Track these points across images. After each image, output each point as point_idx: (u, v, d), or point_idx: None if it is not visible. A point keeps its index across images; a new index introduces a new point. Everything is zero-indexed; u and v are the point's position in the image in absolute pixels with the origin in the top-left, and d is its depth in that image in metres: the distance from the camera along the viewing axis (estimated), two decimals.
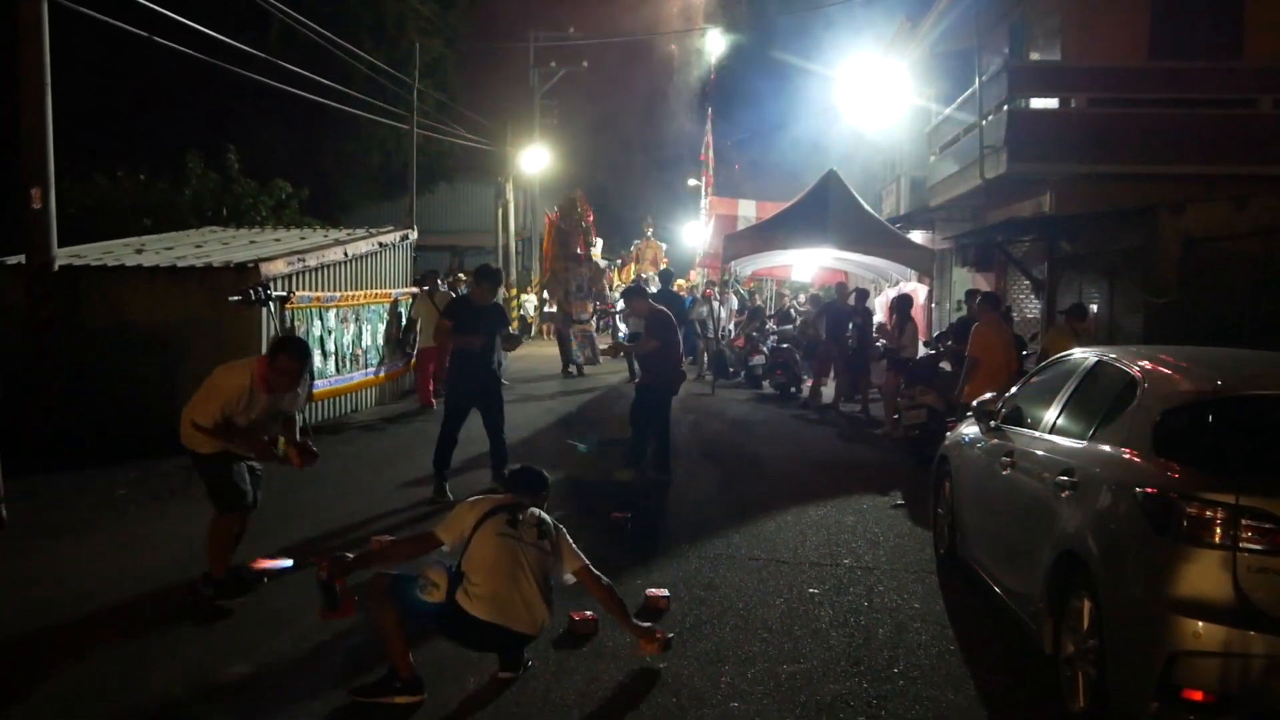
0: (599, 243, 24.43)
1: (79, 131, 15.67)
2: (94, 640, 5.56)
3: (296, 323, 12.70)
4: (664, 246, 37.35)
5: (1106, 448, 4.87)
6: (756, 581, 6.83)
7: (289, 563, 6.10)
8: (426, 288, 15.05)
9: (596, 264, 22.81)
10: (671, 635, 5.46)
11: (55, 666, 5.24)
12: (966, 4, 17.29)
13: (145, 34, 11.94)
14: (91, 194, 19.88)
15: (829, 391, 16.41)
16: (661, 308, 10.68)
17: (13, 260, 11.78)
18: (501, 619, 4.90)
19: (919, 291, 19.34)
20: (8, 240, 12.50)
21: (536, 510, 5.25)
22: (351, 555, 5.33)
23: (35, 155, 10.87)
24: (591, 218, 24.02)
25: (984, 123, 15.84)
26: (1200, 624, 3.97)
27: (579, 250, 22.36)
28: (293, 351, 6.15)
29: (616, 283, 29.25)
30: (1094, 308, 13.65)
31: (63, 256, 11.69)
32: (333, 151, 28.14)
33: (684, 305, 18.15)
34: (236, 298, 11.37)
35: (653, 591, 6.28)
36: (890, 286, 20.63)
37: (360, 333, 14.34)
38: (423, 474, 9.52)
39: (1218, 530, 4.04)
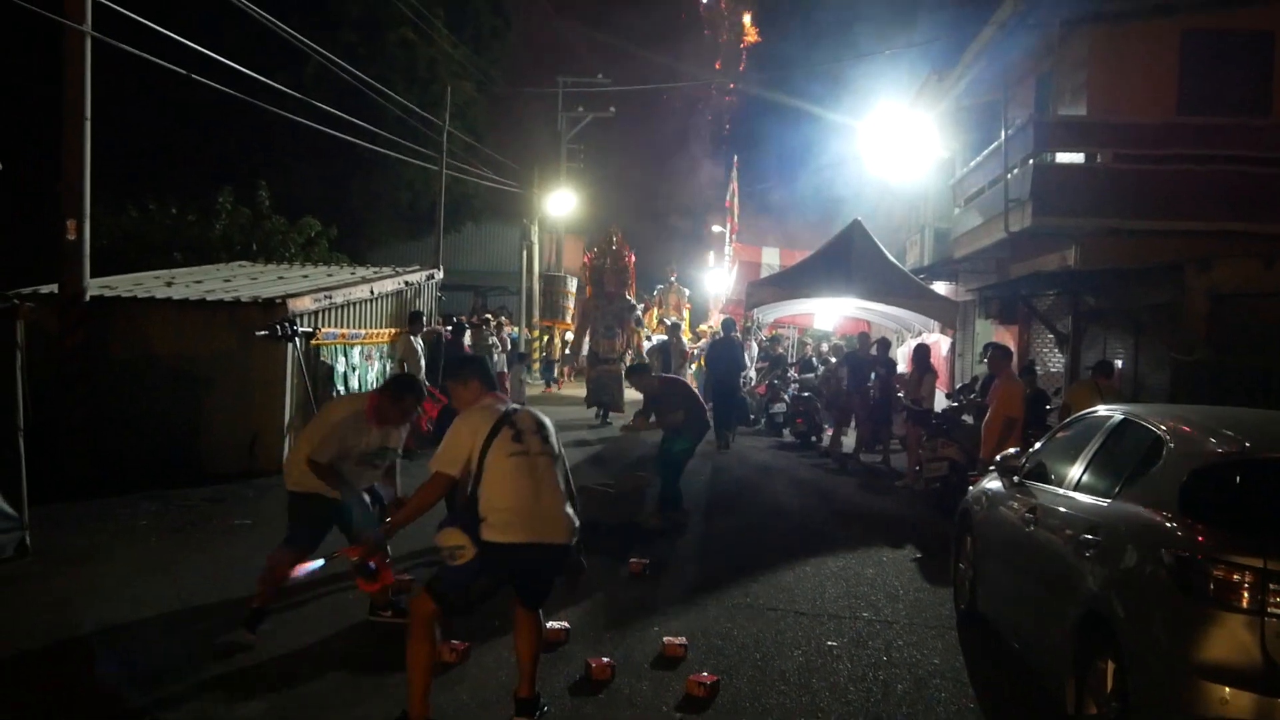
0: (630, 285, 23.85)
1: (114, 164, 15.88)
2: (108, 665, 5.57)
3: (322, 359, 12.80)
4: (687, 292, 37.52)
5: (1132, 507, 4.83)
6: (774, 632, 6.78)
7: (320, 562, 6.05)
8: (410, 330, 14.30)
9: (629, 301, 22.50)
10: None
11: (70, 689, 5.25)
12: (993, 58, 17.37)
13: (184, 72, 12.13)
14: (124, 226, 20.16)
15: (850, 441, 16.34)
16: (671, 377, 10.79)
17: (46, 289, 11.94)
18: (535, 536, 4.84)
19: (941, 343, 19.31)
20: (42, 269, 12.67)
21: (528, 412, 5.15)
22: (372, 533, 5.28)
23: (72, 187, 11.04)
24: (632, 258, 23.81)
25: (1009, 176, 15.87)
26: (1227, 690, 3.91)
27: (611, 288, 22.10)
28: (416, 391, 6.43)
29: (649, 329, 28.97)
30: (1119, 364, 13.57)
31: (94, 287, 11.83)
32: (362, 190, 28.42)
33: (740, 351, 18.10)
34: (263, 332, 11.48)
35: (670, 640, 6.24)
36: (913, 337, 20.59)
37: (384, 370, 14.41)
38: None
39: (1245, 594, 3.99)
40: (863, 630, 6.94)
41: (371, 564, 5.22)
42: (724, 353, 17.44)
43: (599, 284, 22.33)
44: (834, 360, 19.74)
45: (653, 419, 10.27)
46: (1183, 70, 15.04)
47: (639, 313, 23.35)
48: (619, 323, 21.05)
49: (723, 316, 22.73)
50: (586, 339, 21.63)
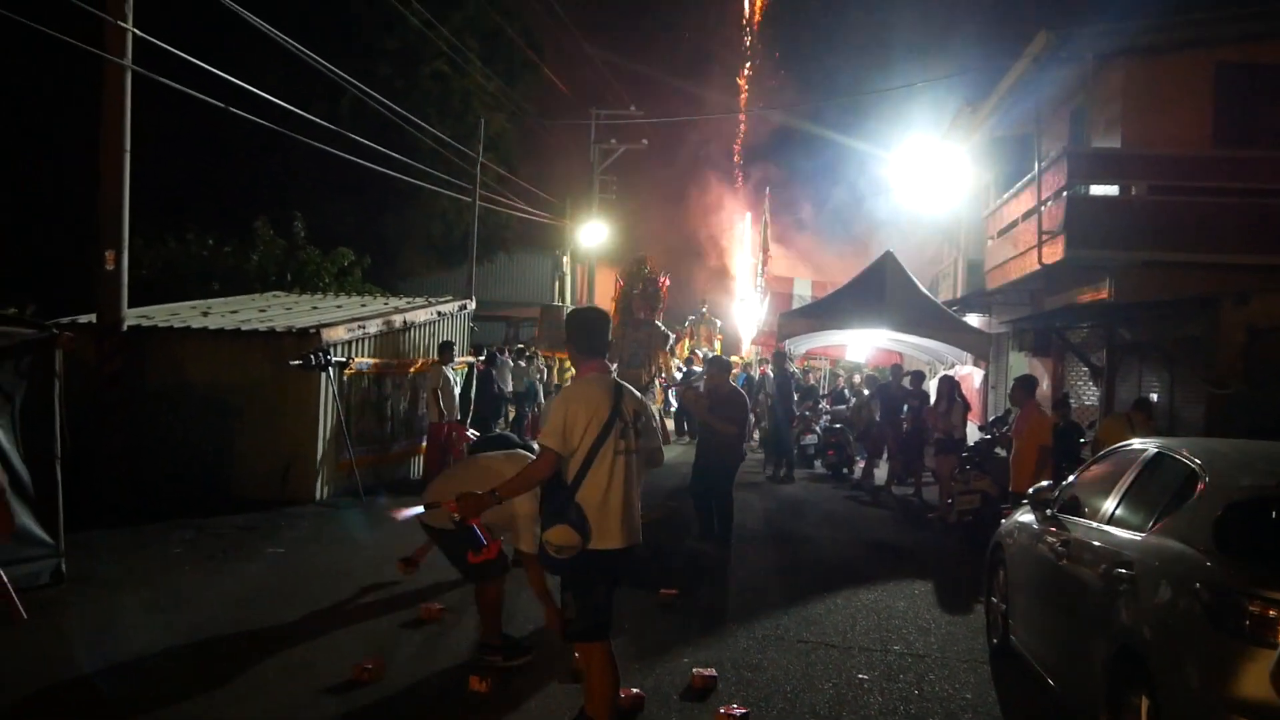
0: (660, 309, 23.11)
1: (152, 195, 16.13)
2: (137, 693, 5.61)
3: (353, 388, 12.90)
4: (719, 323, 37.50)
5: (1166, 541, 4.78)
6: (805, 665, 6.74)
7: (419, 509, 5.99)
8: (440, 359, 14.06)
9: (657, 328, 21.92)
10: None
11: (97, 716, 5.31)
12: (1027, 90, 17.35)
13: (222, 105, 12.34)
14: (163, 256, 20.45)
15: (882, 473, 16.26)
16: (739, 390, 10.81)
17: (84, 319, 12.13)
18: (630, 540, 4.76)
19: (974, 375, 19.19)
20: (81, 299, 12.87)
21: (631, 393, 4.93)
22: (480, 493, 4.97)
23: (111, 219, 11.24)
24: (665, 282, 23.25)
25: (1043, 208, 15.81)
26: None
27: (640, 314, 21.70)
28: None
29: (676, 360, 28.67)
30: (1154, 396, 13.44)
31: (131, 317, 12.01)
32: (395, 221, 28.70)
33: (794, 387, 18.23)
34: (297, 362, 11.59)
35: (699, 671, 6.21)
36: (946, 369, 20.49)
37: (417, 400, 14.48)
38: None
39: None
40: (894, 664, 6.88)
41: (474, 525, 5.11)
42: (782, 384, 17.56)
43: (628, 310, 21.96)
44: (866, 392, 19.68)
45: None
46: (1217, 103, 14.96)
47: (673, 341, 23.10)
48: (646, 351, 20.70)
49: (749, 349, 22.72)
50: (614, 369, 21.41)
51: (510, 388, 19.66)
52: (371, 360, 13.42)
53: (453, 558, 6.38)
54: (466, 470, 6.56)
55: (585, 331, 5.04)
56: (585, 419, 4.68)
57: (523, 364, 20.92)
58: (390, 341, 14.06)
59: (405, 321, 14.41)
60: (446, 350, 14.01)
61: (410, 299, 17.65)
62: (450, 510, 5.01)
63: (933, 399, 15.03)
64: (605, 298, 33.23)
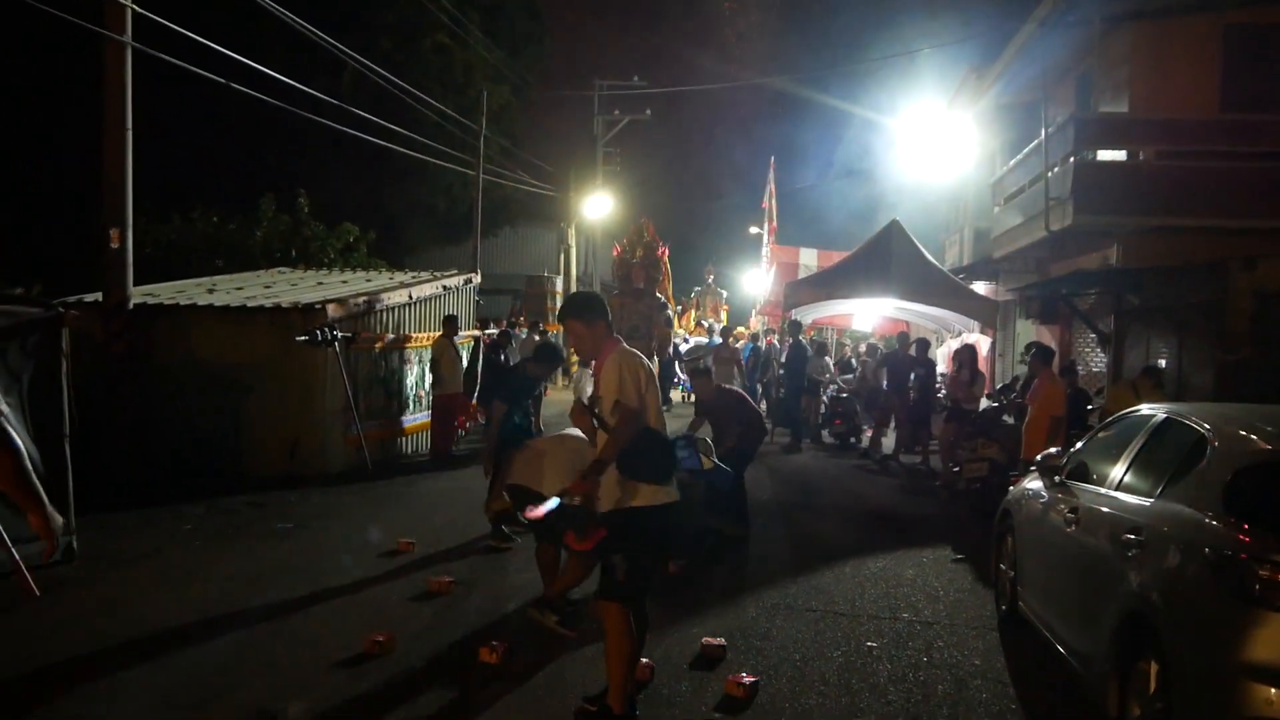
0: (662, 280, 21.81)
1: (156, 173, 16.11)
2: (146, 667, 5.65)
3: (360, 364, 12.89)
4: (724, 294, 37.43)
5: (1175, 506, 4.77)
6: (814, 633, 6.75)
7: (555, 501, 5.92)
8: (445, 333, 14.02)
9: (659, 299, 20.78)
10: None
11: (110, 691, 5.33)
12: (1033, 55, 17.22)
13: (224, 81, 12.28)
14: (167, 234, 20.45)
15: (889, 442, 16.26)
16: (732, 389, 10.43)
17: (90, 298, 12.13)
18: (672, 495, 4.99)
19: (982, 343, 19.15)
20: (87, 278, 12.86)
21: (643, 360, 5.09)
22: (584, 473, 5.08)
23: (115, 198, 11.20)
24: (664, 251, 22.20)
25: (1050, 174, 15.72)
26: (1273, 690, 3.85)
27: (639, 284, 20.71)
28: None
29: (680, 330, 28.31)
30: (1163, 362, 13.41)
31: (137, 295, 12.00)
32: (399, 195, 28.64)
33: (807, 356, 18.06)
34: (303, 338, 11.60)
35: (709, 640, 6.23)
36: (953, 337, 20.44)
37: (423, 375, 14.50)
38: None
39: None
40: (902, 631, 6.90)
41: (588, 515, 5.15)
42: (797, 355, 17.52)
43: (626, 279, 21.08)
44: (869, 360, 19.64)
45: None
46: (1226, 66, 14.82)
47: (670, 313, 21.92)
48: (645, 323, 19.82)
49: (755, 319, 22.52)
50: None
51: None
52: (378, 335, 13.42)
53: (543, 526, 6.23)
54: (560, 447, 6.69)
55: (599, 310, 5.17)
56: (645, 379, 4.93)
57: (536, 337, 20.87)
58: (397, 316, 14.06)
59: (411, 296, 14.40)
60: (450, 324, 14.00)
61: (416, 273, 17.63)
62: (578, 491, 5.03)
63: (948, 367, 14.98)
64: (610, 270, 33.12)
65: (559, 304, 28.68)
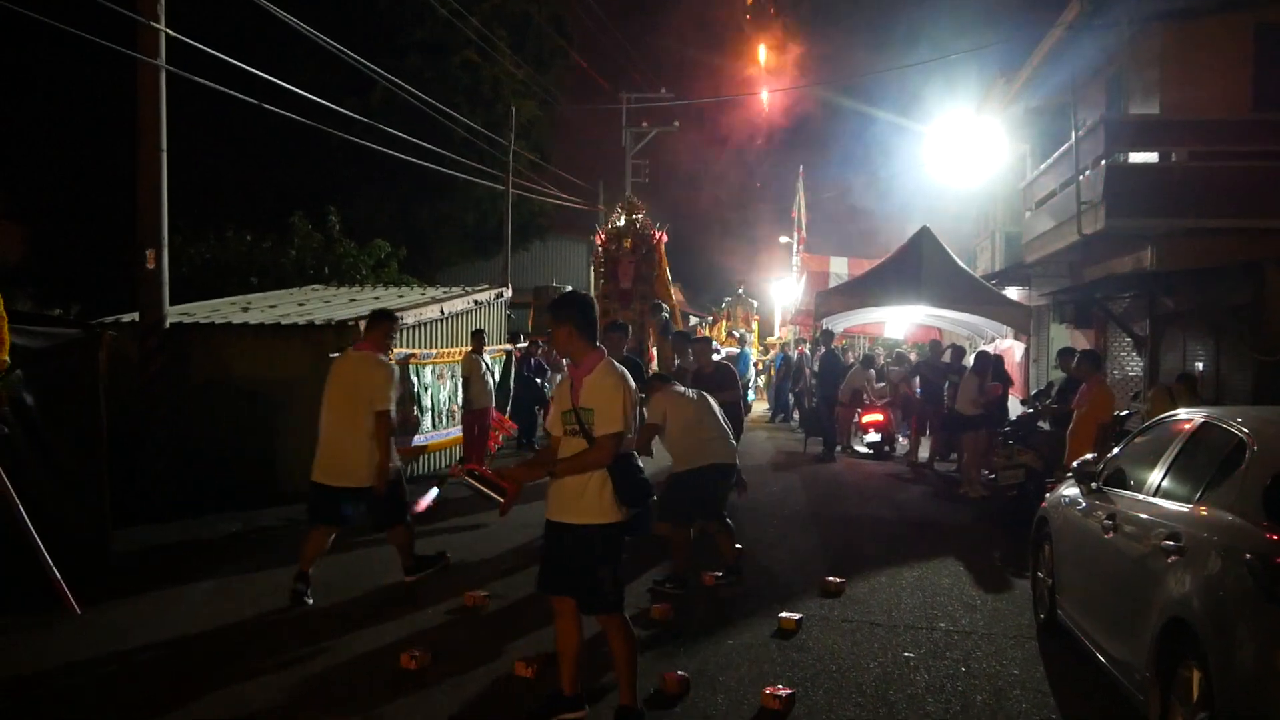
0: (658, 277, 17.59)
1: (189, 193, 16.31)
2: (186, 682, 5.69)
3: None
4: (755, 303, 37.36)
5: (1214, 511, 4.71)
6: (850, 644, 6.72)
7: (435, 491, 6.07)
8: (473, 348, 13.96)
9: (654, 303, 17.02)
10: None
11: (148, 706, 5.38)
12: (1062, 59, 17.12)
13: (256, 103, 12.42)
14: (201, 253, 20.68)
15: (924, 451, 16.16)
16: (728, 364, 10.58)
17: (127, 318, 12.28)
18: None
19: (1015, 349, 19.02)
20: (124, 298, 13.02)
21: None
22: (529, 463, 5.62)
23: (150, 218, 11.34)
24: (662, 239, 17.71)
25: (1081, 178, 15.60)
26: None
27: (626, 284, 16.75)
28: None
29: (717, 341, 27.75)
30: (1200, 365, 13.26)
31: (173, 314, 12.13)
32: (429, 211, 28.79)
33: (840, 365, 18.06)
34: (336, 354, 11.65)
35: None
36: (986, 344, 20.32)
37: (456, 389, 14.55)
38: (506, 527, 9.59)
39: None
40: (940, 641, 6.85)
41: (481, 473, 5.38)
42: (830, 364, 17.49)
43: (612, 277, 17.10)
44: (896, 369, 19.55)
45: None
46: (1258, 65, 14.66)
47: (666, 315, 17.60)
48: (637, 337, 15.70)
49: (785, 329, 22.42)
50: None
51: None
52: (410, 351, 13.49)
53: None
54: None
55: (590, 316, 5.12)
56: (635, 401, 5.07)
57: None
58: (429, 331, 14.12)
59: (443, 311, 14.46)
60: (478, 338, 14.05)
61: (447, 289, 17.70)
62: (453, 472, 5.38)
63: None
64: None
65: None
